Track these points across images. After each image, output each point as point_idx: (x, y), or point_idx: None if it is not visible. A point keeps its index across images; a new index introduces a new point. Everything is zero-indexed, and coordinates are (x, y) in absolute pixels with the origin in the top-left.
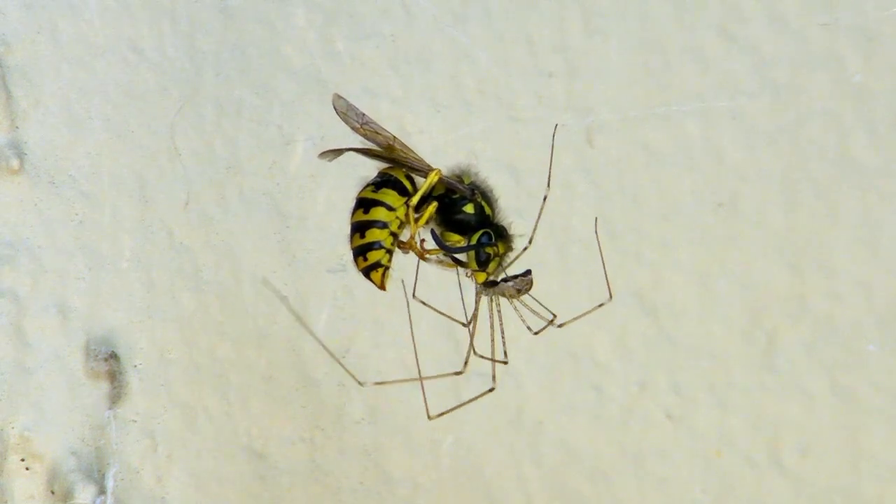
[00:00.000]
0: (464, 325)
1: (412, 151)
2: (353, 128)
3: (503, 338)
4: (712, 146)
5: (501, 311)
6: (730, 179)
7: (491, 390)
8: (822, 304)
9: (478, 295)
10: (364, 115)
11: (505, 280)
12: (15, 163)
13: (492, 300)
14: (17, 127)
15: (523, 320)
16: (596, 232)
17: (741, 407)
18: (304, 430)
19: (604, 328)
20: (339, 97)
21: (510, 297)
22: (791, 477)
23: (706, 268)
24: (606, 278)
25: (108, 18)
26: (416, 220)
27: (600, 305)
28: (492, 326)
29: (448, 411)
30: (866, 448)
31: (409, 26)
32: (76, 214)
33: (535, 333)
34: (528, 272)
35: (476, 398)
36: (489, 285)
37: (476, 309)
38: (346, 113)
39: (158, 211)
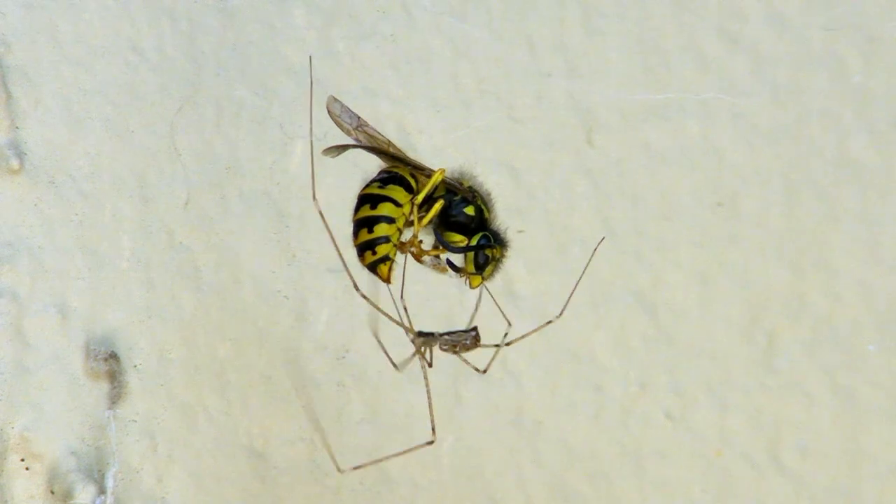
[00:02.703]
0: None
1: (407, 156)
2: (346, 132)
3: (429, 399)
4: (712, 146)
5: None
6: (730, 179)
7: (430, 443)
8: (822, 304)
9: (417, 349)
10: (359, 118)
11: (442, 334)
12: (15, 163)
13: (425, 352)
14: (17, 127)
15: (467, 362)
16: (594, 251)
17: (741, 407)
18: (304, 430)
19: (604, 328)
20: (335, 99)
21: (446, 351)
22: (791, 477)
23: (706, 268)
24: (570, 296)
25: (108, 18)
26: (420, 219)
27: (548, 323)
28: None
29: (366, 465)
30: (866, 448)
31: (409, 26)
32: (76, 214)
33: (482, 370)
34: (475, 329)
35: (403, 452)
36: (423, 335)
37: (423, 366)
38: (340, 116)
39: (158, 211)
